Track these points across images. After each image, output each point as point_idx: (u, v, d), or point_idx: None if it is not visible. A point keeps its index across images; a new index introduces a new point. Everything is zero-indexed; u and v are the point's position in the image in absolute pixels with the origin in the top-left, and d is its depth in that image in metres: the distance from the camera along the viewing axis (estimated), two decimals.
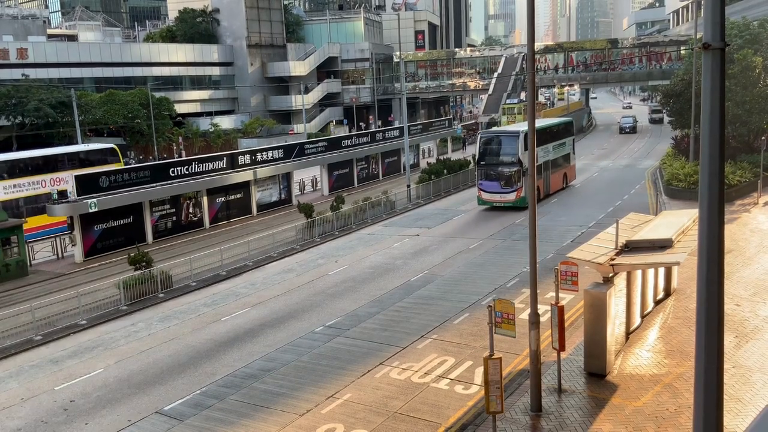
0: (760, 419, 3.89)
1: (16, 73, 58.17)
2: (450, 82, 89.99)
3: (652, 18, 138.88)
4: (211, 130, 72.17)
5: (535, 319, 13.40)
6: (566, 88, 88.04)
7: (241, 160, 38.69)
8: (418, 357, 17.05)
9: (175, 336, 20.06)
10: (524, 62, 78.48)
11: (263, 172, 39.69)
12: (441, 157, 53.96)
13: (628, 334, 16.82)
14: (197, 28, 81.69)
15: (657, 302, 19.14)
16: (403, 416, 14.01)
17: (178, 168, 35.28)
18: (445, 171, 44.54)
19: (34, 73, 58.81)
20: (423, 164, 54.72)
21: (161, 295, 24.11)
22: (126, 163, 47.66)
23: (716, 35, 5.83)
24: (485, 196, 35.77)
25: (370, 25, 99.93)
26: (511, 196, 35.02)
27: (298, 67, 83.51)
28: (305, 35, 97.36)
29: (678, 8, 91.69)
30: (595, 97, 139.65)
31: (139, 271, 24.16)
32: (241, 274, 26.78)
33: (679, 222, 17.91)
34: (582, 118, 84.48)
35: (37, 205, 34.86)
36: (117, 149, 43.33)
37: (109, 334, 20.71)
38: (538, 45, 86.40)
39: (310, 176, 49.08)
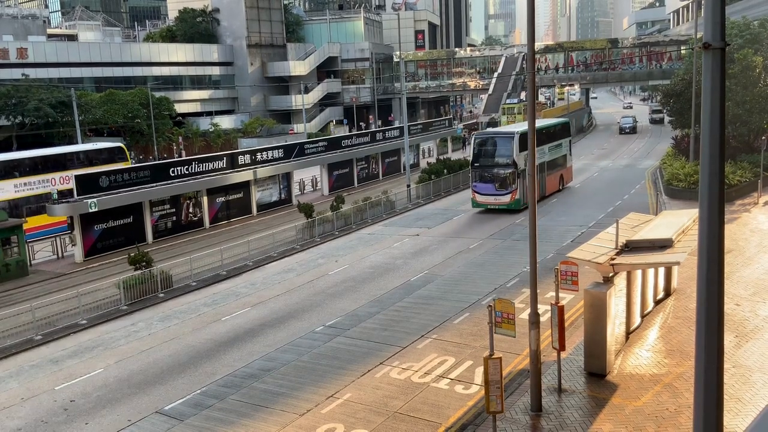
0: (760, 419, 3.89)
1: (16, 73, 58.16)
2: (450, 81, 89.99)
3: (653, 18, 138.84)
4: (211, 129, 72.18)
5: (535, 319, 13.41)
6: (566, 87, 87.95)
7: (241, 160, 38.69)
8: (418, 357, 17.05)
9: (175, 336, 20.07)
10: (524, 62, 78.48)
11: (263, 172, 39.69)
12: (441, 157, 53.98)
13: (628, 333, 16.82)
14: (197, 28, 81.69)
15: (657, 302, 19.14)
16: (403, 416, 14.01)
17: (178, 168, 35.29)
18: (445, 171, 44.54)
19: (34, 73, 58.80)
20: (423, 164, 54.73)
21: (161, 294, 24.12)
22: None
23: (716, 35, 5.83)
24: (479, 198, 35.32)
25: (370, 24, 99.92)
26: (506, 199, 34.52)
27: (298, 67, 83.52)
28: (305, 35, 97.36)
29: (678, 8, 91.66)
30: (596, 97, 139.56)
31: (139, 271, 24.17)
32: (241, 273, 26.79)
33: (679, 222, 17.91)
34: (582, 117, 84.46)
35: (46, 203, 34.94)
36: (124, 148, 43.83)
37: (109, 333, 20.72)
38: (538, 45, 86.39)
39: (310, 176, 49.08)
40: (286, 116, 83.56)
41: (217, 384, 16.38)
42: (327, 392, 15.39)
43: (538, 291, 13.83)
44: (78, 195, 30.33)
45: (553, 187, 39.22)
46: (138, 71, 70.70)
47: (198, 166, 36.03)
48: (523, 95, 70.41)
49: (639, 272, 17.04)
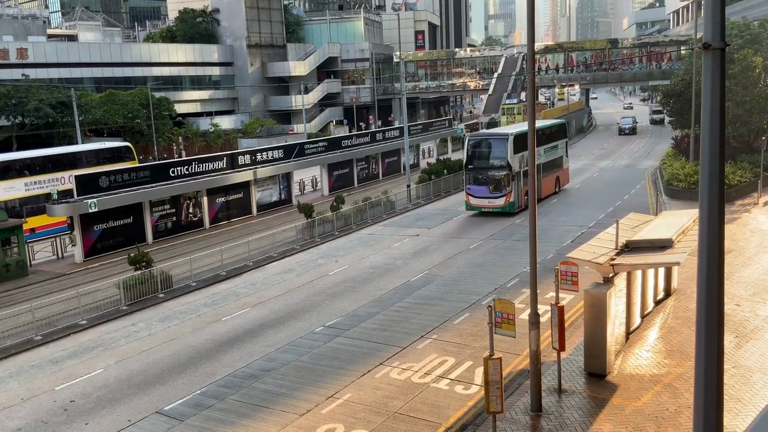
0: (760, 419, 3.89)
1: (16, 73, 58.17)
2: (450, 82, 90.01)
3: (652, 18, 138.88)
4: (211, 130, 72.17)
5: (535, 319, 13.40)
6: (566, 88, 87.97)
7: (241, 160, 38.69)
8: (418, 357, 17.05)
9: (175, 336, 20.06)
10: (524, 62, 78.48)
11: (263, 172, 39.70)
12: (441, 157, 53.98)
13: (628, 334, 16.82)
14: (197, 28, 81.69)
15: (657, 302, 19.14)
16: (403, 416, 14.01)
17: (178, 168, 35.29)
18: (445, 171, 44.53)
19: (34, 73, 58.81)
20: (423, 164, 54.72)
21: (161, 295, 24.11)
22: None
23: (716, 35, 5.83)
24: (473, 201, 34.69)
25: (370, 25, 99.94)
26: (500, 201, 33.91)
27: (298, 67, 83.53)
28: (305, 35, 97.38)
29: (678, 8, 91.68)
30: (596, 98, 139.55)
31: (139, 271, 24.16)
32: (241, 274, 26.78)
33: (679, 222, 17.91)
34: (582, 118, 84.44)
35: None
36: (132, 147, 44.19)
37: (109, 334, 20.72)
38: (538, 45, 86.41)
39: (310, 176, 49.08)
40: (286, 116, 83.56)
41: (217, 384, 16.37)
42: (327, 392, 15.39)
43: (538, 291, 13.83)
44: (78, 195, 30.33)
45: (549, 190, 38.61)
46: (138, 71, 70.71)
47: (198, 167, 36.02)
48: (523, 95, 70.42)
49: (639, 272, 17.04)
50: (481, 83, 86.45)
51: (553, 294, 14.80)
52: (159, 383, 16.72)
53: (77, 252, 30.53)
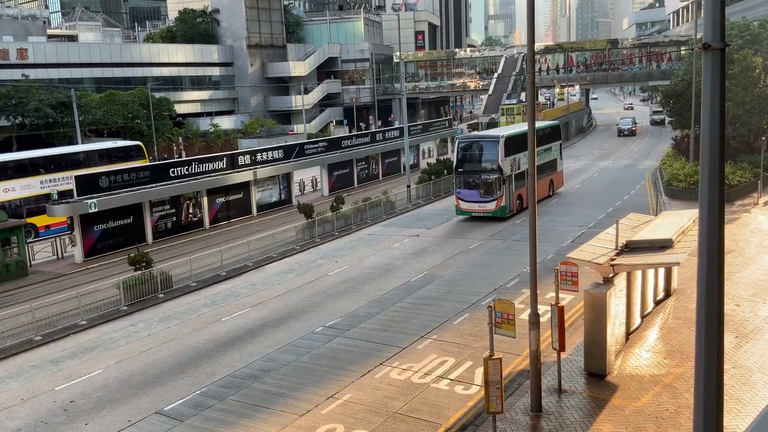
0: (760, 419, 3.88)
1: (16, 74, 58.17)
2: (450, 82, 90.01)
3: (652, 18, 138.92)
4: (211, 130, 72.17)
5: (535, 320, 13.40)
6: (566, 88, 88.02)
7: (241, 160, 38.69)
8: (418, 357, 17.05)
9: (175, 336, 20.06)
10: (524, 62, 78.48)
11: (263, 172, 39.70)
12: (441, 158, 53.96)
13: (628, 334, 16.82)
14: (197, 28, 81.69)
15: (657, 302, 19.14)
16: (403, 416, 14.01)
17: (178, 168, 35.29)
18: (445, 171, 44.52)
19: (34, 74, 58.80)
20: (423, 164, 54.72)
21: (161, 295, 24.11)
22: None
23: (716, 35, 5.83)
24: (463, 205, 33.78)
25: (370, 25, 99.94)
26: (491, 206, 33.02)
27: (298, 68, 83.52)
28: (305, 35, 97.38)
29: (678, 8, 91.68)
30: (596, 98, 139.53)
31: (139, 272, 24.16)
32: (241, 274, 26.78)
33: (679, 222, 17.91)
34: (582, 118, 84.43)
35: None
36: (142, 146, 44.54)
37: (109, 334, 20.71)
38: (538, 45, 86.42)
39: (310, 176, 49.08)
40: (286, 117, 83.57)
41: (217, 384, 16.37)
42: (327, 393, 15.39)
43: (538, 291, 13.83)
44: (78, 195, 30.34)
45: (543, 193, 37.56)
46: (138, 72, 70.71)
47: (198, 167, 36.02)
48: (522, 96, 70.41)
49: (639, 273, 17.04)
50: (481, 83, 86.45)
51: (553, 294, 14.80)
52: (159, 383, 16.72)
53: (77, 252, 30.53)
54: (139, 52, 73.39)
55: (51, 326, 21.14)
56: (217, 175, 36.82)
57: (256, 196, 39.93)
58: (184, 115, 73.21)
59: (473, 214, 33.74)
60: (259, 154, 40.06)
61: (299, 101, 75.84)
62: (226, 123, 75.80)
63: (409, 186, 41.59)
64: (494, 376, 11.70)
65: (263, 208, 40.32)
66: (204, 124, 73.52)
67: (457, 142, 35.59)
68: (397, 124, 72.60)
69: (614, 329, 15.18)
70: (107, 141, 48.24)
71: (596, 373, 14.88)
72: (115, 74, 69.18)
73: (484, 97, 77.83)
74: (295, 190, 44.72)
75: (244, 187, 38.87)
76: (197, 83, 78.58)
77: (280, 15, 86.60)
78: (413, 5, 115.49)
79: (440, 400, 14.65)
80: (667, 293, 19.85)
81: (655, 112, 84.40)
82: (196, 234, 35.20)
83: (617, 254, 15.73)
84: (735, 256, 23.19)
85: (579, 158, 56.96)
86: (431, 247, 29.06)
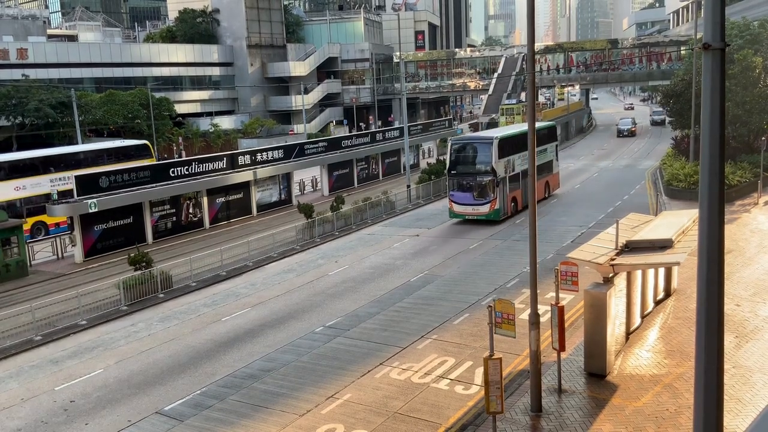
0: (760, 419, 3.88)
1: (16, 74, 58.16)
2: (450, 82, 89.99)
3: (652, 18, 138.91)
4: (211, 130, 72.16)
5: (535, 320, 13.40)
6: (566, 88, 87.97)
7: (241, 160, 38.69)
8: (418, 357, 17.05)
9: (175, 336, 20.06)
10: (524, 62, 78.47)
11: (263, 172, 39.70)
12: (441, 158, 53.90)
13: (628, 334, 16.82)
14: (197, 28, 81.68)
15: (657, 302, 19.14)
16: (403, 416, 14.01)
17: (178, 168, 35.29)
18: (445, 171, 44.45)
19: (34, 74, 58.80)
20: (423, 164, 54.73)
21: (161, 295, 24.11)
22: None
23: (716, 35, 5.83)
24: (457, 208, 33.17)
25: (370, 25, 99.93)
26: (485, 209, 32.43)
27: (298, 68, 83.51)
28: (305, 35, 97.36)
29: (678, 8, 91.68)
30: (596, 98, 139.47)
31: (139, 272, 24.16)
32: (241, 274, 26.79)
33: (679, 222, 17.91)
34: (582, 118, 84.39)
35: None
36: (149, 145, 45.11)
37: (109, 334, 20.72)
38: (538, 45, 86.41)
39: (310, 176, 49.09)
40: (286, 117, 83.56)
41: (217, 384, 16.38)
42: (327, 393, 15.39)
43: (538, 291, 13.83)
44: (78, 195, 30.34)
45: (538, 195, 36.67)
46: (138, 72, 70.70)
47: (198, 167, 36.03)
48: (522, 96, 70.39)
49: (639, 273, 17.04)
50: (481, 83, 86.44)
51: (553, 294, 14.80)
52: (159, 383, 16.72)
53: (77, 252, 30.53)
54: (139, 52, 73.38)
55: (51, 326, 21.14)
56: (217, 175, 36.82)
57: (256, 196, 39.93)
58: (184, 115, 73.21)
59: (467, 217, 33.20)
60: (259, 154, 40.06)
61: (299, 101, 75.83)
62: (226, 123, 75.79)
63: (409, 186, 41.59)
64: (494, 376, 11.71)
65: (263, 208, 40.33)
66: (204, 124, 73.51)
67: (450, 144, 34.92)
68: (397, 124, 72.61)
69: (614, 329, 15.18)
70: (116, 140, 48.78)
71: (596, 373, 14.89)
72: (115, 74, 69.17)
73: (484, 97, 77.83)
74: (295, 190, 44.72)
75: (244, 187, 38.87)
76: (197, 83, 78.58)
77: (280, 15, 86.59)
78: (413, 5, 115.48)
79: (440, 400, 14.65)
80: (667, 293, 19.85)
81: (655, 113, 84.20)
82: (196, 234, 35.21)
83: (617, 254, 15.73)
84: (735, 256, 23.19)
85: (579, 158, 56.97)
86: (431, 247, 29.06)
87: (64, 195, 35.26)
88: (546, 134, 38.61)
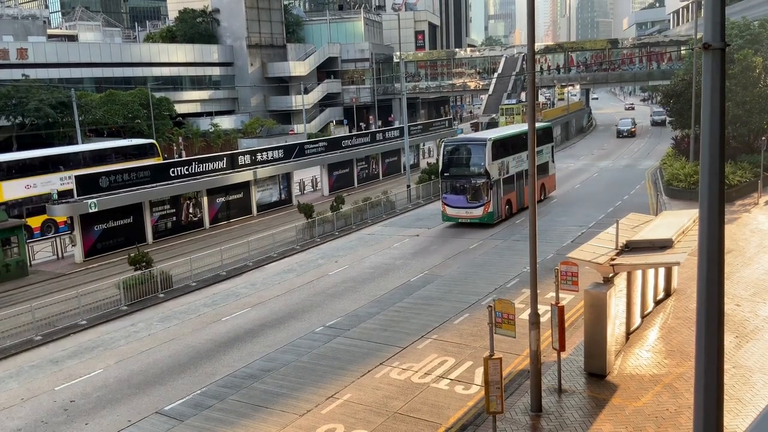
0: (760, 419, 3.88)
1: (16, 74, 58.16)
2: (450, 82, 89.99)
3: (653, 18, 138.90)
4: (211, 130, 72.17)
5: (535, 320, 13.40)
6: (566, 88, 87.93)
7: (241, 160, 38.69)
8: (418, 357, 17.05)
9: (175, 336, 20.06)
10: (524, 62, 78.47)
11: (263, 172, 39.70)
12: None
13: (629, 334, 16.82)
14: (197, 28, 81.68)
15: (657, 302, 19.14)
16: (403, 416, 14.01)
17: (178, 168, 35.29)
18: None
19: (34, 74, 58.80)
20: (423, 164, 54.72)
21: (161, 295, 24.11)
22: None
23: (716, 35, 5.83)
24: (449, 211, 32.58)
25: (370, 25, 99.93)
26: (478, 212, 31.80)
27: (298, 68, 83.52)
28: (305, 35, 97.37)
29: (678, 8, 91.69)
30: (596, 98, 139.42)
31: (139, 272, 24.16)
32: (241, 274, 26.79)
33: (679, 222, 17.91)
34: (582, 118, 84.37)
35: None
36: (156, 144, 45.53)
37: (109, 334, 20.72)
38: (538, 45, 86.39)
39: (310, 176, 49.09)
40: (286, 117, 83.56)
41: (217, 384, 16.38)
42: (327, 393, 15.39)
43: (538, 291, 13.83)
44: (78, 195, 30.34)
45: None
46: (138, 72, 70.71)
47: (198, 167, 36.03)
48: (522, 96, 70.39)
49: (639, 272, 17.04)
50: (481, 83, 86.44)
51: (553, 294, 14.80)
52: (159, 383, 16.72)
53: (77, 252, 30.53)
54: (139, 52, 73.38)
55: (51, 326, 21.14)
56: (217, 175, 36.82)
57: (256, 195, 39.93)
58: (184, 115, 73.21)
59: (460, 221, 32.66)
60: (259, 154, 40.06)
61: (299, 101, 75.83)
62: (226, 123, 75.80)
63: (409, 186, 41.59)
64: (494, 375, 11.70)
65: (263, 207, 40.33)
66: (204, 124, 73.52)
67: (442, 146, 34.25)
68: (397, 124, 72.63)
69: (614, 329, 15.18)
70: (123, 140, 49.38)
71: (596, 372, 14.89)
72: (115, 74, 69.17)
73: (484, 97, 77.85)
74: (295, 190, 44.72)
75: (244, 187, 38.87)
76: (197, 83, 78.58)
77: (280, 15, 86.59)
78: (413, 5, 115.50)
79: (440, 399, 14.65)
80: (667, 293, 19.85)
81: (655, 113, 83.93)
82: (196, 234, 35.21)
83: (617, 254, 15.73)
84: (735, 256, 23.19)
85: (579, 158, 56.97)
86: (431, 247, 29.06)
87: (71, 193, 35.48)
88: (541, 135, 37.73)
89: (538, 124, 41.06)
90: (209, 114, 76.49)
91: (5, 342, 20.01)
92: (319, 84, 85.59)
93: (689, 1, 75.93)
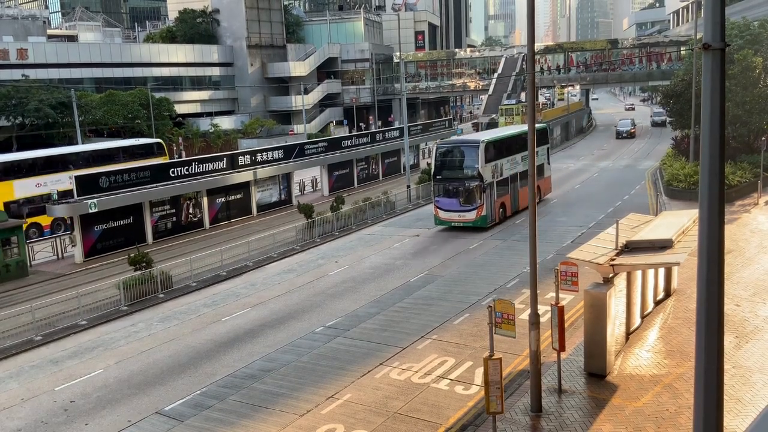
0: (760, 419, 3.89)
1: (16, 74, 58.17)
2: (450, 82, 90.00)
3: (652, 18, 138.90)
4: (211, 130, 72.18)
5: (535, 320, 13.41)
6: (566, 88, 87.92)
7: (241, 160, 38.70)
8: (418, 357, 17.05)
9: (175, 336, 20.07)
10: (524, 63, 78.45)
11: (263, 172, 39.70)
12: None
13: (628, 334, 16.82)
14: (197, 28, 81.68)
15: (657, 302, 19.14)
16: (403, 417, 14.01)
17: (178, 168, 35.30)
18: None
19: (34, 74, 58.81)
20: (423, 164, 54.70)
21: (161, 295, 24.11)
22: None
23: (716, 35, 5.83)
24: (442, 214, 31.92)
25: (370, 25, 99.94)
26: (471, 215, 31.15)
27: (298, 68, 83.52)
28: (305, 36, 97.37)
29: (678, 8, 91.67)
30: (597, 98, 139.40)
31: (139, 272, 24.16)
32: (241, 274, 26.79)
33: (679, 222, 17.91)
34: (582, 118, 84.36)
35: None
36: (163, 143, 45.98)
37: (109, 334, 20.72)
38: (538, 45, 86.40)
39: (310, 177, 49.09)
40: (286, 117, 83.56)
41: (217, 384, 16.38)
42: (327, 393, 15.39)
43: (538, 291, 13.83)
44: (78, 195, 30.34)
45: (528, 201, 35.80)
46: (138, 72, 70.71)
47: (198, 167, 36.04)
48: (522, 96, 70.40)
49: (639, 273, 17.04)
50: (481, 84, 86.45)
51: (553, 294, 14.80)
52: (159, 384, 16.72)
53: (77, 252, 30.53)
54: (139, 52, 73.38)
55: (51, 326, 21.14)
56: (217, 175, 36.83)
57: (256, 196, 39.94)
58: (184, 115, 73.21)
59: (453, 224, 31.96)
60: (259, 155, 40.07)
61: (299, 101, 75.82)
62: (226, 123, 75.80)
63: (409, 186, 41.60)
64: (494, 376, 11.71)
65: (263, 208, 40.33)
66: (204, 124, 73.51)
67: (434, 148, 33.63)
68: (397, 124, 72.62)
69: (614, 329, 15.18)
70: (130, 139, 49.83)
71: (596, 373, 14.89)
72: (115, 74, 69.17)
73: (484, 97, 77.85)
74: (295, 190, 44.72)
75: (244, 187, 38.87)
76: (197, 83, 78.57)
77: (280, 15, 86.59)
78: (413, 5, 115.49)
79: (440, 400, 14.66)
80: (667, 293, 19.86)
81: (656, 113, 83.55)
82: (196, 234, 35.21)
83: (617, 254, 15.73)
84: (735, 256, 23.19)
85: (579, 158, 56.97)
86: (431, 247, 29.06)
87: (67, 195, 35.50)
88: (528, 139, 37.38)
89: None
90: (209, 114, 76.48)
91: (5, 342, 20.01)
92: (319, 84, 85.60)
93: (689, 2, 75.90)
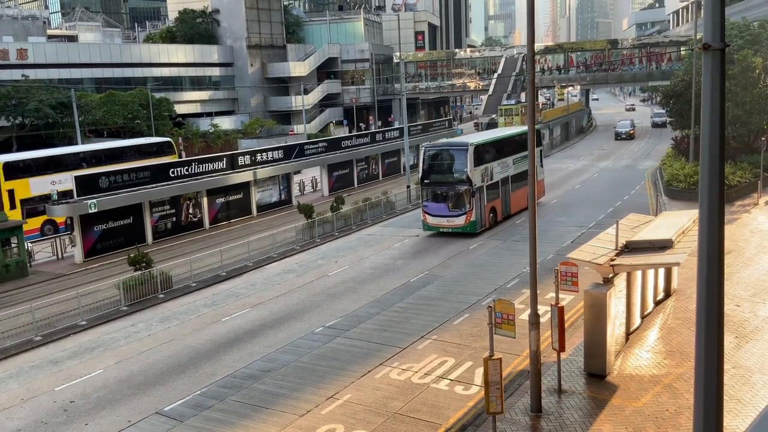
0: (760, 420, 3.89)
1: (16, 74, 58.13)
2: (450, 82, 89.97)
3: (652, 18, 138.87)
4: (211, 130, 72.14)
5: (535, 320, 13.40)
6: (566, 88, 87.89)
7: (241, 160, 38.70)
8: (418, 357, 17.05)
9: (175, 337, 20.06)
10: (524, 63, 78.45)
11: (263, 172, 39.70)
12: None
13: (628, 334, 16.82)
14: (197, 28, 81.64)
15: (657, 303, 19.14)
16: (403, 417, 14.01)
17: (178, 168, 35.30)
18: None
19: (34, 74, 58.78)
20: None
21: (161, 295, 24.11)
22: None
23: (716, 36, 5.83)
24: (430, 220, 31.09)
25: (370, 25, 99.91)
26: (460, 221, 30.27)
27: (298, 68, 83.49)
28: (305, 36, 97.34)
29: (678, 9, 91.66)
30: (597, 99, 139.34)
31: (139, 272, 24.16)
32: (241, 274, 26.78)
33: (679, 222, 17.91)
34: (582, 118, 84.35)
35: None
36: (172, 142, 46.77)
37: (109, 334, 20.72)
38: (538, 45, 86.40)
39: (310, 177, 49.08)
40: (286, 117, 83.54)
41: (217, 385, 16.38)
42: (327, 393, 15.39)
43: (538, 292, 13.83)
44: (78, 196, 30.34)
45: (520, 204, 34.05)
46: (138, 72, 70.68)
47: (198, 167, 36.05)
48: (522, 96, 70.38)
49: (639, 273, 17.04)
50: (481, 84, 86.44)
51: (553, 294, 14.80)
52: (159, 384, 16.72)
53: (77, 252, 30.53)
54: (139, 52, 73.35)
55: (51, 326, 21.14)
56: (217, 176, 36.83)
57: (256, 196, 39.93)
58: (184, 116, 73.18)
59: (441, 230, 31.13)
60: (259, 155, 40.08)
61: (299, 101, 75.78)
62: (226, 123, 75.76)
63: (409, 186, 41.58)
64: (494, 376, 11.70)
65: (263, 208, 40.33)
66: (204, 124, 73.47)
67: (423, 151, 32.64)
68: (397, 125, 72.59)
69: (614, 329, 15.18)
70: (140, 138, 50.67)
71: (596, 373, 14.89)
72: (115, 74, 69.14)
73: (484, 97, 77.84)
74: (295, 190, 44.72)
75: (244, 187, 38.87)
76: (197, 83, 78.53)
77: (280, 15, 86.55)
78: (413, 5, 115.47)
79: (440, 400, 14.65)
80: (667, 293, 19.85)
81: (656, 114, 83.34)
82: (196, 234, 35.20)
83: (617, 254, 15.73)
84: (735, 257, 23.19)
85: (579, 158, 56.97)
86: (431, 248, 29.06)
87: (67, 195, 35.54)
88: (527, 139, 36.85)
89: (521, 128, 40.02)
90: (209, 114, 76.45)
91: (5, 342, 20.01)
92: (319, 84, 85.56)
93: (689, 2, 75.89)
